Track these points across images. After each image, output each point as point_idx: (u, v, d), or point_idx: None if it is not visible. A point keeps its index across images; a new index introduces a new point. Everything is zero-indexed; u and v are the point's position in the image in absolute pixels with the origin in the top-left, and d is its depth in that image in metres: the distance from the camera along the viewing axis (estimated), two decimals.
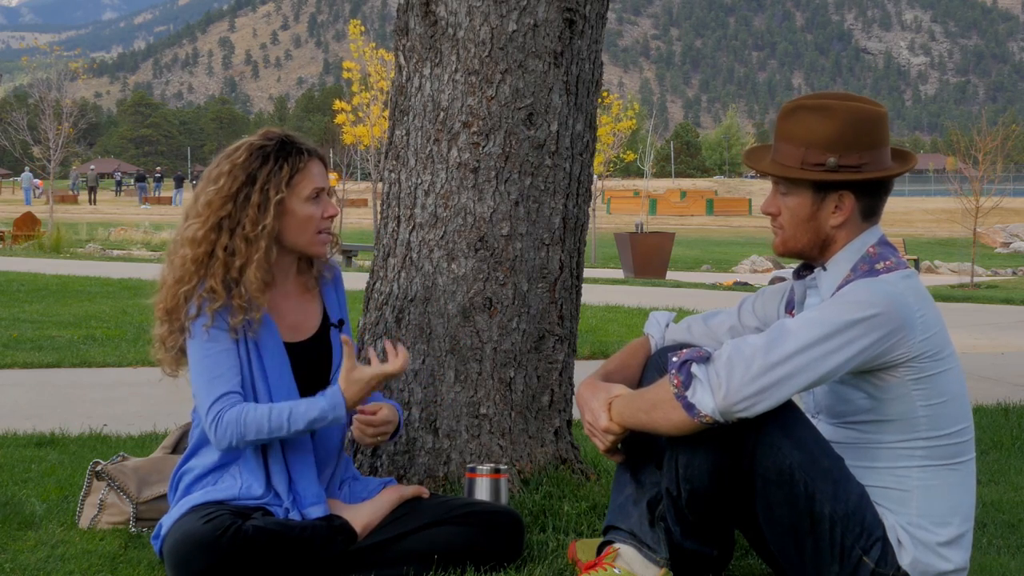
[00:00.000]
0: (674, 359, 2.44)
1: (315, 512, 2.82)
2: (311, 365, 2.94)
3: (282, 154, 2.86)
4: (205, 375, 2.78)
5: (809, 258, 2.62)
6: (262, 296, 2.83)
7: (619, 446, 2.67)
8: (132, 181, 70.12)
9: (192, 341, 2.81)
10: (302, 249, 2.92)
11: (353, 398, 2.79)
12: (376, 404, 2.92)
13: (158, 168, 78.37)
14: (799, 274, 2.68)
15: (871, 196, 2.56)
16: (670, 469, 2.53)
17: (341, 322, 3.03)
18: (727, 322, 2.81)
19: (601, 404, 2.61)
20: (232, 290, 2.81)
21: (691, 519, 2.55)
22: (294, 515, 2.80)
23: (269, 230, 2.82)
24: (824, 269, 2.59)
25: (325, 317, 3.01)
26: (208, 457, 2.86)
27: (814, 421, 2.65)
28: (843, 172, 2.52)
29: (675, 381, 2.41)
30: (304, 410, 2.76)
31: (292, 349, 2.90)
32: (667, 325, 2.86)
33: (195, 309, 2.80)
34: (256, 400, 2.82)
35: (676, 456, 2.51)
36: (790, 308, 2.71)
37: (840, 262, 2.56)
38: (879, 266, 2.51)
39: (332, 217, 2.92)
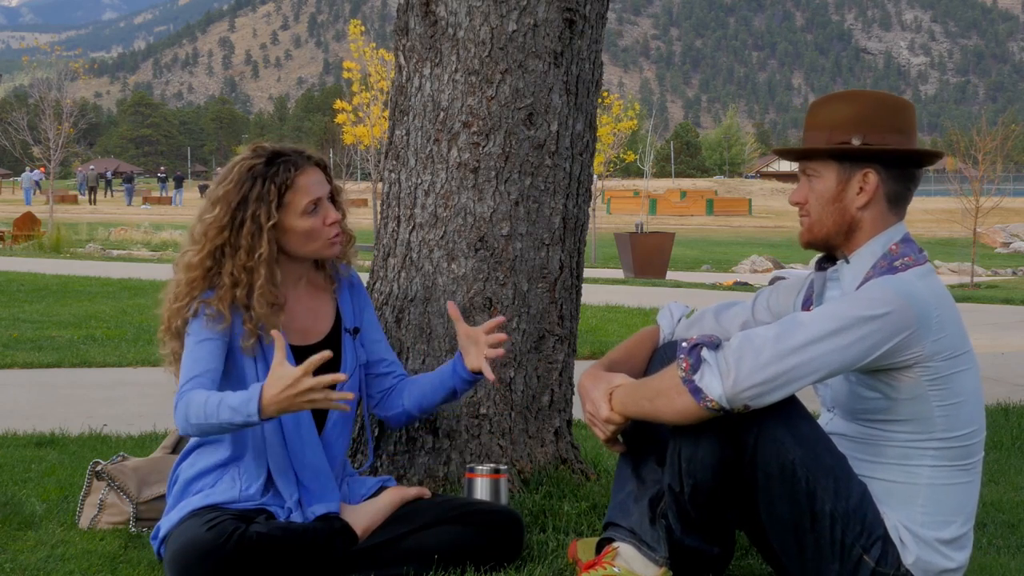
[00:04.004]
0: (684, 344, 2.44)
1: (322, 510, 2.82)
2: (319, 370, 2.93)
3: (269, 174, 2.85)
4: (185, 365, 2.79)
5: (834, 246, 2.61)
6: (275, 318, 2.84)
7: (620, 438, 2.67)
8: (122, 180, 69.19)
9: (188, 337, 2.82)
10: (313, 256, 2.93)
11: (273, 398, 2.57)
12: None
13: (162, 168, 77.99)
14: (821, 266, 2.68)
15: (896, 181, 2.57)
16: (672, 464, 2.53)
17: (357, 330, 3.02)
18: (740, 317, 2.80)
19: (602, 394, 2.61)
20: (243, 315, 2.82)
21: (693, 515, 2.54)
22: (296, 515, 2.81)
23: (265, 257, 2.82)
24: (847, 262, 2.59)
25: (338, 320, 3.01)
26: (208, 457, 2.86)
27: (829, 415, 2.66)
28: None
29: (684, 365, 2.41)
30: (229, 401, 2.63)
31: (300, 352, 2.89)
32: (680, 320, 2.85)
33: (194, 309, 2.81)
34: None
35: (679, 450, 2.50)
36: (807, 304, 2.70)
37: (864, 256, 2.56)
38: (898, 263, 2.51)
39: (336, 223, 2.91)
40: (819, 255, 2.68)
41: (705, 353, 2.40)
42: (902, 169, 2.57)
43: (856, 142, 2.54)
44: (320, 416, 2.92)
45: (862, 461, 2.51)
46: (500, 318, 2.99)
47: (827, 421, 2.65)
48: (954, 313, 2.48)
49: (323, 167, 2.95)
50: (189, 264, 2.85)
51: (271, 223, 2.82)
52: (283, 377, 2.58)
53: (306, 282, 2.99)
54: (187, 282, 2.84)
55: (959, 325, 2.49)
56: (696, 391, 2.39)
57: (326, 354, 2.61)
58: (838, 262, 2.62)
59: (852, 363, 2.41)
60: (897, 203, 2.59)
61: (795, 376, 2.38)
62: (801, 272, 3.02)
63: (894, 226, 2.58)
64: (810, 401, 2.51)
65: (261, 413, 2.59)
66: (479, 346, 2.96)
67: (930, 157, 2.59)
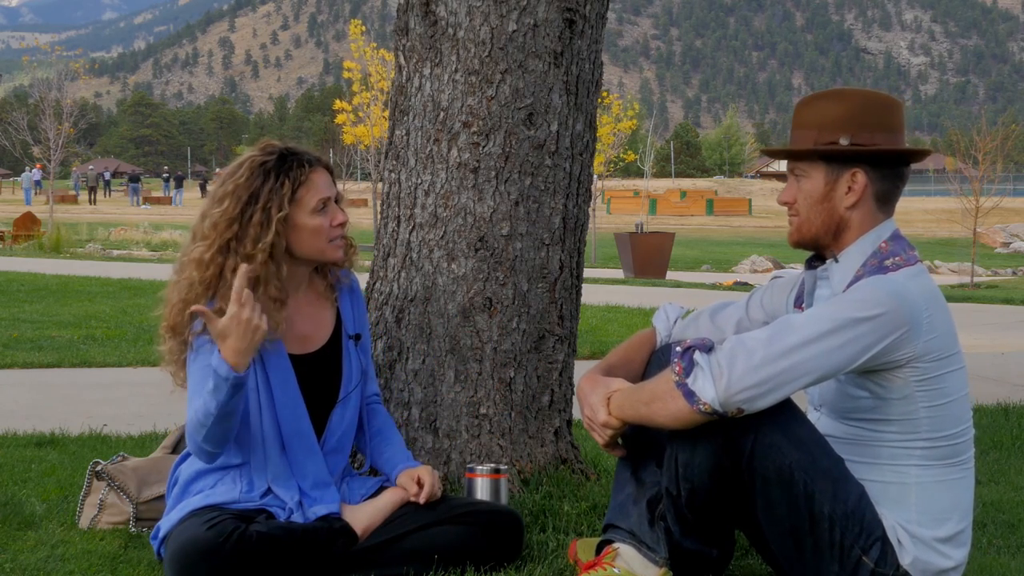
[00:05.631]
0: (677, 348, 2.44)
1: (322, 511, 2.82)
2: (321, 377, 2.92)
3: (283, 169, 2.84)
4: (193, 388, 2.77)
5: (823, 246, 2.61)
6: (277, 315, 2.82)
7: (619, 441, 2.67)
8: (126, 180, 69.46)
9: (192, 354, 2.80)
10: (317, 258, 2.90)
11: (230, 349, 2.65)
12: (415, 474, 2.92)
13: (165, 168, 78.03)
14: (811, 264, 2.67)
15: (884, 180, 2.56)
16: (670, 468, 2.53)
17: (358, 336, 3.01)
18: (735, 316, 2.80)
19: (600, 399, 2.61)
20: None
21: (691, 518, 2.55)
22: (297, 515, 2.80)
23: (267, 246, 2.80)
24: (836, 261, 2.58)
25: (338, 327, 2.99)
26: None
27: (816, 414, 2.65)
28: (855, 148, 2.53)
29: (677, 368, 2.41)
30: (208, 392, 2.67)
31: (301, 361, 2.88)
32: (676, 321, 2.85)
33: (200, 325, 2.78)
34: (261, 415, 2.81)
35: (676, 455, 2.50)
36: (799, 302, 2.70)
37: (853, 254, 2.55)
38: (889, 262, 2.50)
39: (342, 224, 2.90)
40: (810, 254, 2.68)
41: (698, 356, 2.39)
42: (890, 168, 2.57)
43: (844, 142, 2.53)
44: (320, 426, 2.91)
45: (853, 463, 2.51)
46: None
47: (814, 420, 2.64)
48: (945, 314, 2.48)
49: (330, 170, 2.95)
50: (200, 260, 2.81)
51: (281, 214, 2.81)
52: (223, 328, 2.64)
53: (306, 288, 2.97)
54: (200, 280, 2.80)
55: (950, 325, 2.49)
56: (689, 394, 2.39)
57: (244, 268, 2.70)
58: (827, 261, 2.62)
59: (845, 365, 2.40)
60: (886, 202, 2.58)
61: (788, 379, 2.37)
62: (799, 272, 3.00)
63: (883, 224, 2.57)
64: (799, 398, 2.51)
65: (236, 368, 2.64)
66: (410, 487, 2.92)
67: (918, 155, 2.59)
